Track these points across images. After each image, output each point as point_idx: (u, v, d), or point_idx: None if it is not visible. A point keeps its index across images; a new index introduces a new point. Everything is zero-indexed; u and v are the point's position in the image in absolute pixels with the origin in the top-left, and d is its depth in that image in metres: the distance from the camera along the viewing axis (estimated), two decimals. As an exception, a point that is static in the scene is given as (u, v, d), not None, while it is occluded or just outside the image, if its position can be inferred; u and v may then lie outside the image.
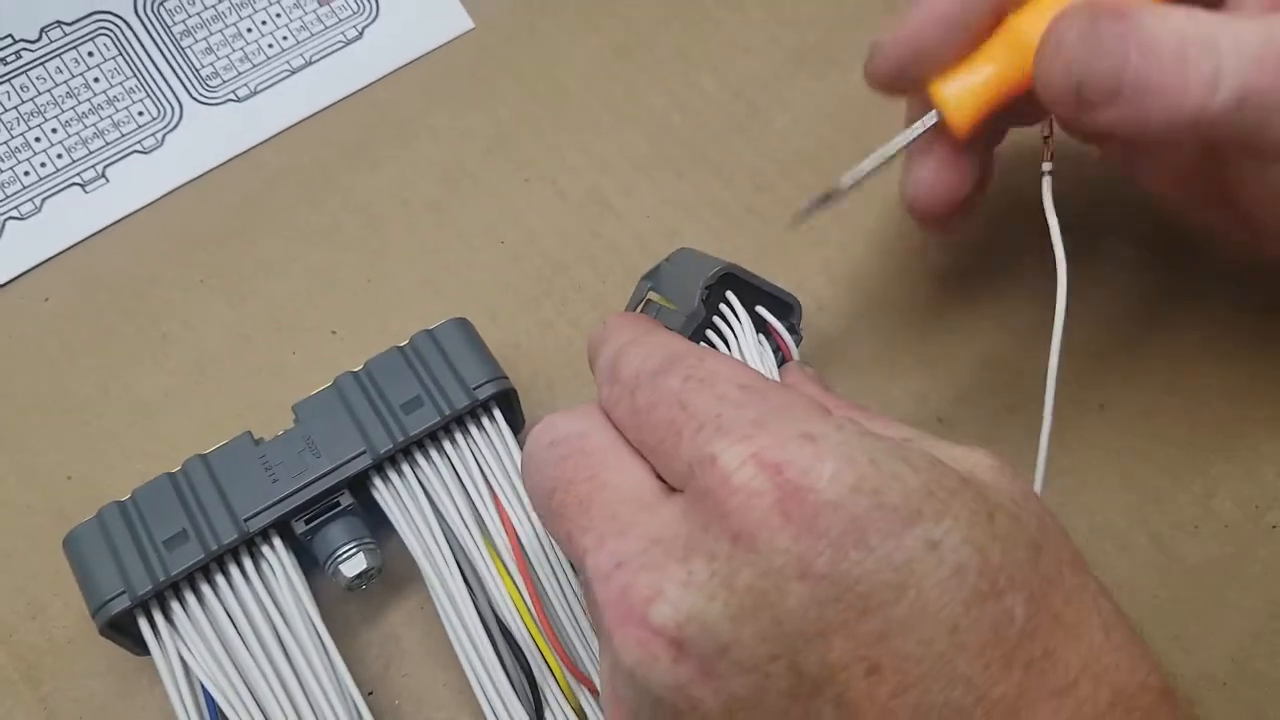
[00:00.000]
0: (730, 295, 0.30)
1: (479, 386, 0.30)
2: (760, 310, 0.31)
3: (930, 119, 0.28)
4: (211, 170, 0.39)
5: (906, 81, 0.29)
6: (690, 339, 0.29)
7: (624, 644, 0.20)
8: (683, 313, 0.29)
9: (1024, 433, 0.29)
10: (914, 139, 0.29)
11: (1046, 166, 0.29)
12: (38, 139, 0.38)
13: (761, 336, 0.31)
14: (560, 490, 0.23)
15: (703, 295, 0.29)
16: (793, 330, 0.32)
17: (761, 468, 0.19)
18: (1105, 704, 0.19)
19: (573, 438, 0.23)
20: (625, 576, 0.20)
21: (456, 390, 0.30)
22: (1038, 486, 0.27)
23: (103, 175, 0.39)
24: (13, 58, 0.38)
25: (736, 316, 0.30)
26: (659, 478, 0.22)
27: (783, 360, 0.31)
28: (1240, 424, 0.35)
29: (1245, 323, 0.36)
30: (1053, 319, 0.28)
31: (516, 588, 0.29)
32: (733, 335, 0.30)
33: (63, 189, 0.38)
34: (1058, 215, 0.29)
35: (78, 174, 0.38)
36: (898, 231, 0.38)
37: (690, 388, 0.22)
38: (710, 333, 0.30)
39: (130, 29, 0.40)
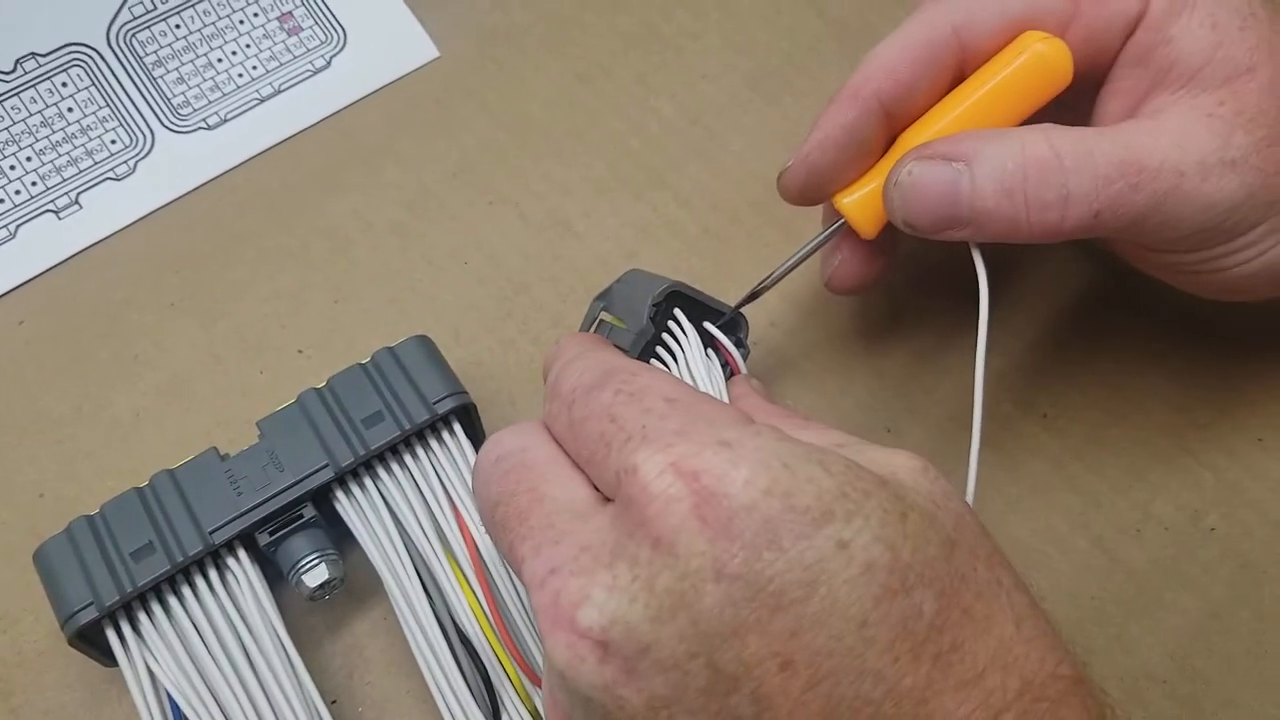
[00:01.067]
0: (678, 312, 0.31)
1: (438, 401, 0.31)
2: (707, 326, 0.32)
3: (837, 225, 0.32)
4: (183, 196, 0.40)
5: (813, 195, 0.32)
6: (640, 356, 0.30)
7: (555, 647, 0.21)
8: (632, 330, 0.31)
9: (969, 443, 0.30)
10: (824, 242, 0.33)
11: None
12: (12, 167, 0.39)
13: (710, 351, 0.32)
14: (503, 503, 0.24)
15: (650, 313, 0.30)
16: (740, 345, 0.33)
17: (679, 475, 0.20)
18: (1014, 693, 0.20)
19: (516, 452, 0.24)
20: (557, 582, 0.21)
21: (417, 405, 0.31)
22: (970, 490, 0.28)
23: (76, 202, 0.40)
24: (-12, 89, 0.40)
25: (684, 332, 0.31)
26: (596, 488, 0.23)
27: (730, 374, 0.32)
28: (1180, 431, 0.36)
29: (1186, 334, 0.37)
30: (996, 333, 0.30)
31: (475, 596, 0.30)
32: (680, 351, 0.31)
33: (37, 215, 0.39)
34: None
35: (52, 201, 0.39)
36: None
37: (620, 401, 0.23)
38: (660, 349, 0.31)
39: (103, 60, 0.41)
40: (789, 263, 0.32)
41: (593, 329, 0.32)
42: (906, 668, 0.20)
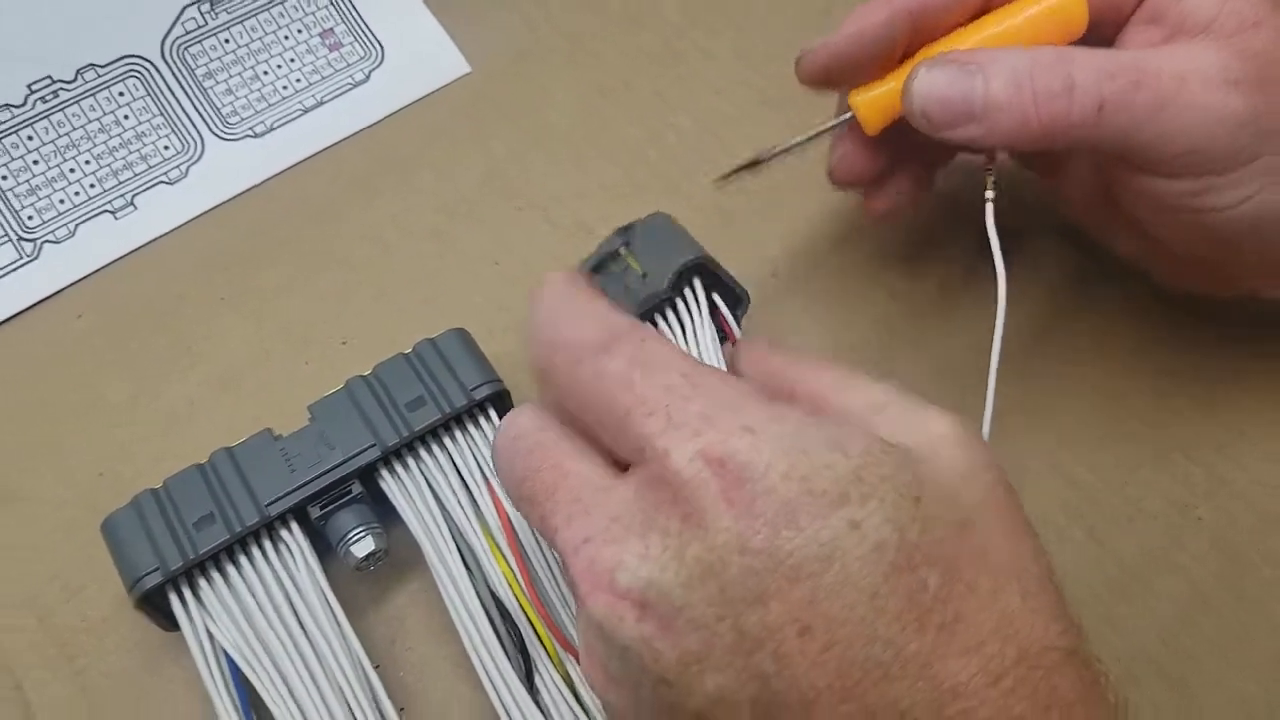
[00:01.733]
0: (696, 283, 0.33)
1: (476, 388, 0.34)
2: (717, 298, 0.34)
3: (846, 117, 0.35)
4: (232, 199, 0.43)
5: (827, 82, 0.35)
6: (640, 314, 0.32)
7: (595, 606, 0.23)
8: (651, 287, 0.32)
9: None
10: (829, 129, 0.36)
11: (990, 194, 0.33)
12: (72, 170, 0.42)
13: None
14: (528, 479, 0.26)
15: (673, 280, 0.32)
16: (737, 321, 0.35)
17: (708, 463, 0.23)
18: (1011, 660, 0.22)
19: (532, 431, 0.27)
20: (591, 550, 0.24)
21: (456, 391, 0.34)
22: None
23: (131, 203, 0.42)
24: (50, 96, 0.42)
25: (698, 304, 0.33)
26: (605, 455, 0.26)
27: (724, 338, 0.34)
28: (1168, 427, 0.38)
29: (1172, 334, 0.39)
30: (994, 331, 0.32)
31: (510, 567, 0.32)
32: (691, 324, 0.33)
33: (95, 215, 0.42)
34: (999, 238, 0.33)
35: (109, 202, 0.42)
36: (853, 255, 0.42)
37: (637, 372, 0.25)
38: (666, 313, 0.33)
39: (157, 71, 0.43)
40: (792, 142, 0.35)
41: (603, 260, 0.33)
42: (912, 635, 0.22)
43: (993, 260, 0.32)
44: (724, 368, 0.32)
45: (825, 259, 0.42)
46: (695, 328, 0.33)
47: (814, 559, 0.22)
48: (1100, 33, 0.33)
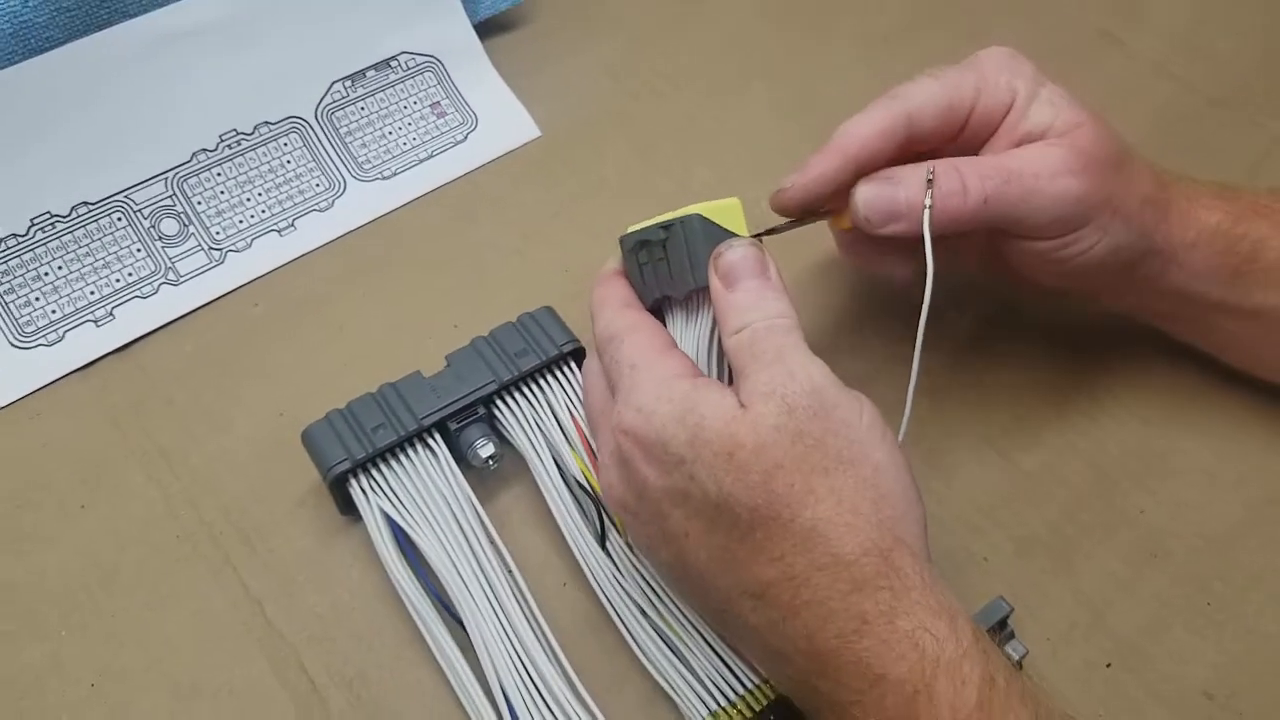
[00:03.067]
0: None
1: (563, 345, 0.48)
2: None
3: (824, 215, 0.44)
4: (365, 224, 0.57)
5: (798, 212, 0.44)
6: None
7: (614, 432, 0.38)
8: (672, 288, 0.40)
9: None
10: (811, 222, 0.44)
11: (928, 203, 0.41)
12: (248, 199, 0.56)
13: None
14: (590, 407, 0.42)
15: (685, 293, 0.40)
16: None
17: (624, 431, 0.37)
18: (802, 566, 0.34)
19: (595, 374, 0.41)
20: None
21: (549, 345, 0.48)
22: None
23: (292, 225, 0.56)
24: (235, 144, 0.57)
25: (707, 314, 0.40)
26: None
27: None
28: (1070, 417, 0.52)
29: (1065, 349, 0.53)
30: (920, 319, 0.41)
31: (585, 464, 0.45)
32: (697, 324, 0.41)
33: (266, 233, 0.56)
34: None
35: (275, 223, 0.56)
36: (837, 295, 0.56)
37: (610, 362, 0.39)
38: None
39: (312, 129, 0.58)
40: (781, 226, 0.44)
41: (637, 248, 0.42)
42: (736, 546, 0.35)
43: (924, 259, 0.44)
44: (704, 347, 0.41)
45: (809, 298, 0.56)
46: (699, 330, 0.41)
47: (678, 494, 0.36)
48: (972, 144, 0.43)
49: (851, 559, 0.33)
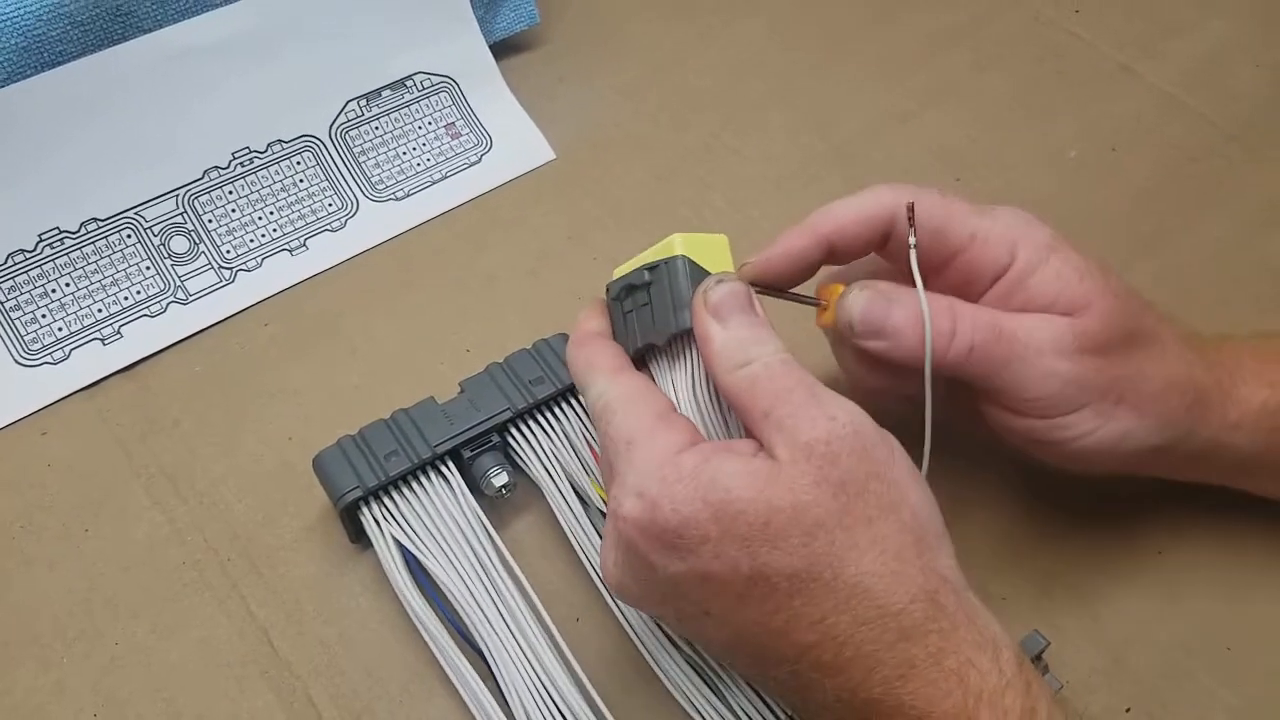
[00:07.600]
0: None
1: (579, 373, 0.47)
2: None
3: (812, 299, 0.41)
4: (378, 245, 0.57)
5: (764, 284, 0.40)
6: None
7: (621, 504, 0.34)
8: (653, 335, 0.39)
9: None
10: (799, 300, 0.41)
11: (912, 240, 0.39)
12: (260, 218, 0.56)
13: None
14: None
15: (666, 340, 0.38)
16: None
17: (619, 518, 0.34)
18: (845, 625, 0.31)
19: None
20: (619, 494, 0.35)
21: (565, 374, 0.47)
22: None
23: (304, 244, 0.56)
24: (248, 161, 0.56)
25: (694, 362, 0.39)
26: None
27: None
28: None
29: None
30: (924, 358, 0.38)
31: (600, 486, 0.45)
32: (685, 376, 0.39)
33: (277, 252, 0.55)
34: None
35: (287, 242, 0.56)
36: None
37: (605, 438, 0.36)
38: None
39: (325, 147, 0.58)
40: (772, 293, 0.40)
41: (620, 291, 0.41)
42: (771, 615, 0.32)
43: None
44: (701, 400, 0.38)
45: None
46: (690, 381, 0.39)
47: (697, 577, 0.33)
48: (967, 292, 0.39)
49: (899, 608, 0.32)
